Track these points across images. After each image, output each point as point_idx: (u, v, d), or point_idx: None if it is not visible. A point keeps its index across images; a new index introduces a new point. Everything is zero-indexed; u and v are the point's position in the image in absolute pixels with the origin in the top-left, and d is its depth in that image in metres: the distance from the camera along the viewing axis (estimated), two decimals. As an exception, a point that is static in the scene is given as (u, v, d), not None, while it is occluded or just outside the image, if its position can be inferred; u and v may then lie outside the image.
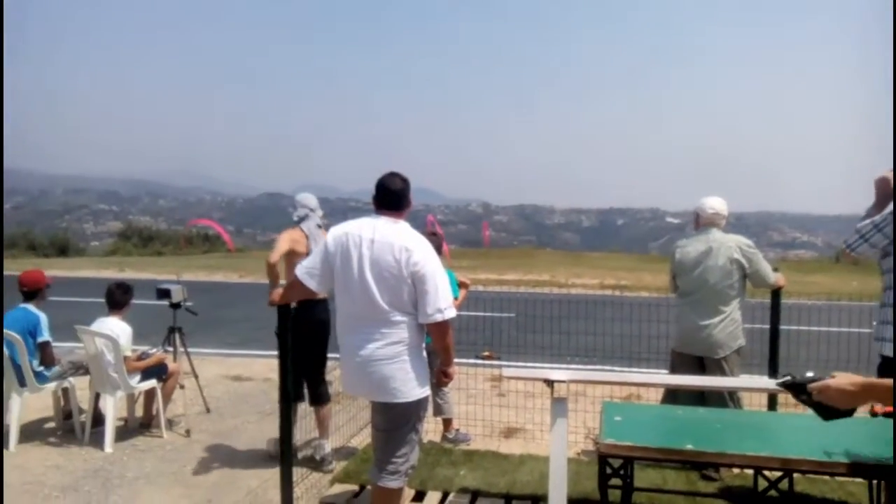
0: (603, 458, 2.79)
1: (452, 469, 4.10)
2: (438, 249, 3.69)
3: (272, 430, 5.05)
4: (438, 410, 4.75)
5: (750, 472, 3.90)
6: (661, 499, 3.64)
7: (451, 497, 3.80)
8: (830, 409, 2.02)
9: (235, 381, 6.73)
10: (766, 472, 2.79)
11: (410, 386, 2.96)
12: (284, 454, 3.50)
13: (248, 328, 9.54)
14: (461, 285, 4.89)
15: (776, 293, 4.34)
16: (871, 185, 3.11)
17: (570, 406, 3.20)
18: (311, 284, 3.08)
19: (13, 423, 4.74)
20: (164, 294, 5.27)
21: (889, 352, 2.89)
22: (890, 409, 2.30)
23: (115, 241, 39.47)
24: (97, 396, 5.05)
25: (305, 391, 4.45)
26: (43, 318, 4.89)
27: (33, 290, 4.95)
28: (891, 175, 3.01)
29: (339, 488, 3.92)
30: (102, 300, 5.09)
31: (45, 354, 4.88)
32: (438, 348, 3.08)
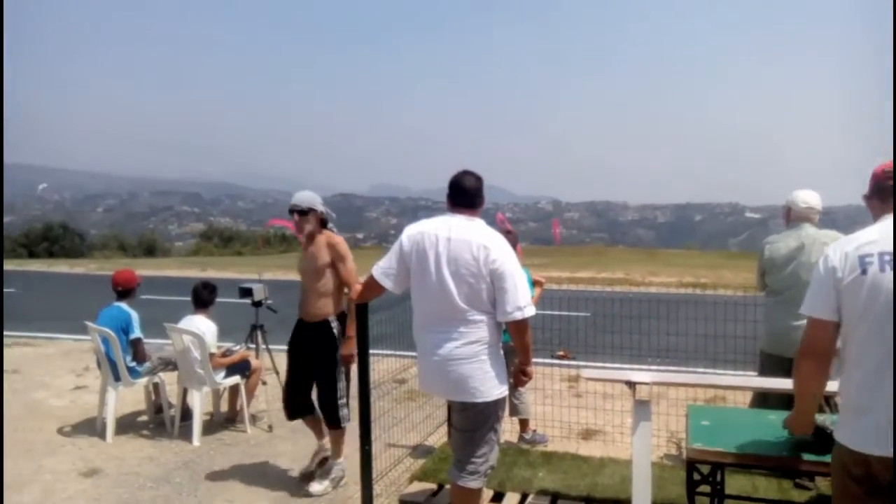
0: (691, 464, 2.68)
1: (531, 470, 4.05)
2: (513, 247, 3.64)
3: (350, 426, 5.13)
4: (514, 411, 4.71)
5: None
6: (752, 508, 3.48)
7: (530, 499, 3.75)
8: None
9: (313, 377, 6.87)
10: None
11: (489, 385, 2.93)
12: (365, 451, 3.53)
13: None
14: (536, 283, 4.83)
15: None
16: None
17: (652, 408, 3.10)
18: (388, 284, 3.09)
19: (109, 415, 5.00)
20: (246, 293, 5.43)
21: None
22: None
23: (198, 242, 41.27)
24: (185, 391, 5.26)
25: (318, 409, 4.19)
26: (135, 315, 5.13)
27: (126, 290, 5.20)
28: None
29: (417, 486, 3.94)
30: (188, 299, 5.30)
31: (137, 351, 5.12)
32: (517, 347, 3.03)
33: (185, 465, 4.54)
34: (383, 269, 3.10)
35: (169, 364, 5.30)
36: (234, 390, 5.38)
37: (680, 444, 4.65)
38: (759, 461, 2.54)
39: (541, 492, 3.79)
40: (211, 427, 5.25)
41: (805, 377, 2.15)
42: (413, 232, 3.04)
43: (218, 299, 5.36)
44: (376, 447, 3.66)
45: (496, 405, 3.00)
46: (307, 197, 4.02)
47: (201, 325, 5.03)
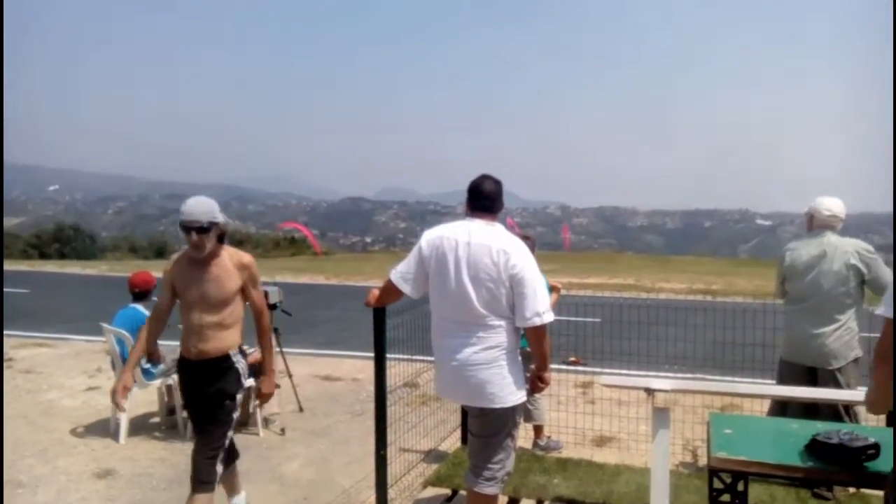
0: (713, 473, 2.65)
1: (546, 477, 4.02)
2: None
3: (362, 430, 5.14)
4: (529, 417, 4.68)
5: (868, 492, 3.66)
6: (771, 517, 3.44)
7: (545, 505, 3.72)
8: None
9: (326, 380, 6.87)
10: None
11: (507, 391, 2.91)
12: (380, 456, 3.52)
13: (335, 329, 9.76)
14: (553, 289, 4.80)
15: (897, 300, 4.02)
16: None
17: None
18: (406, 289, 3.08)
19: (123, 416, 5.01)
20: (260, 296, 5.42)
21: None
22: None
23: (209, 245, 41.43)
24: (198, 393, 5.26)
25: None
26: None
27: (143, 291, 5.21)
28: None
29: (431, 491, 3.92)
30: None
31: (151, 352, 5.11)
32: (535, 353, 3.02)
33: (198, 467, 4.53)
34: (402, 273, 3.09)
35: (182, 366, 5.30)
36: (246, 393, 5.36)
37: (696, 451, 4.60)
38: (784, 471, 2.50)
39: (556, 498, 3.75)
40: (223, 429, 5.24)
41: (882, 384, 1.99)
42: (433, 236, 3.02)
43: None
44: (390, 452, 3.64)
45: (514, 411, 2.98)
46: (206, 207, 3.17)
47: (215, 328, 5.02)
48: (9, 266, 20.67)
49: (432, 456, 4.59)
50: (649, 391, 3.11)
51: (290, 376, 5.61)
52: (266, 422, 5.38)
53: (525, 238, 4.14)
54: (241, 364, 3.38)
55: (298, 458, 4.71)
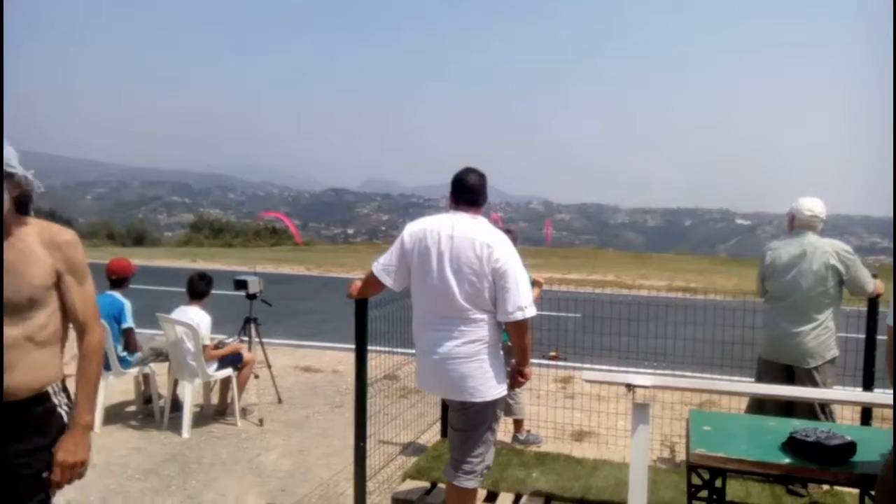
0: (692, 469, 2.67)
1: (524, 471, 4.03)
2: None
3: (342, 422, 5.11)
4: (509, 411, 4.68)
5: (839, 489, 3.71)
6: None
7: (524, 499, 3.72)
8: None
9: (305, 371, 6.83)
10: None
11: (488, 385, 2.91)
12: (359, 448, 3.50)
13: (315, 320, 9.70)
14: (535, 284, 4.80)
15: (873, 301, 4.07)
16: None
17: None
18: (388, 281, 3.06)
19: (98, 405, 4.93)
20: (241, 285, 5.38)
21: None
22: None
23: (188, 233, 41.04)
24: (175, 383, 5.20)
25: None
26: (128, 305, 5.06)
27: (121, 278, 5.12)
28: None
29: (410, 484, 3.91)
30: (177, 289, 5.23)
31: (128, 340, 5.05)
32: (516, 347, 3.01)
33: (173, 457, 4.48)
34: (384, 265, 3.06)
35: (160, 355, 5.24)
36: (224, 383, 5.32)
37: (674, 447, 4.64)
38: (762, 468, 2.53)
39: (535, 493, 3.76)
40: (200, 419, 5.19)
41: None
42: (415, 229, 3.00)
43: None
44: (369, 444, 3.62)
45: (494, 405, 2.97)
46: None
47: (195, 317, 4.97)
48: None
49: (411, 449, 4.58)
50: (630, 387, 3.12)
51: (269, 367, 5.57)
52: (244, 412, 5.33)
53: (507, 232, 4.14)
54: (65, 408, 2.10)
55: (276, 449, 4.67)
